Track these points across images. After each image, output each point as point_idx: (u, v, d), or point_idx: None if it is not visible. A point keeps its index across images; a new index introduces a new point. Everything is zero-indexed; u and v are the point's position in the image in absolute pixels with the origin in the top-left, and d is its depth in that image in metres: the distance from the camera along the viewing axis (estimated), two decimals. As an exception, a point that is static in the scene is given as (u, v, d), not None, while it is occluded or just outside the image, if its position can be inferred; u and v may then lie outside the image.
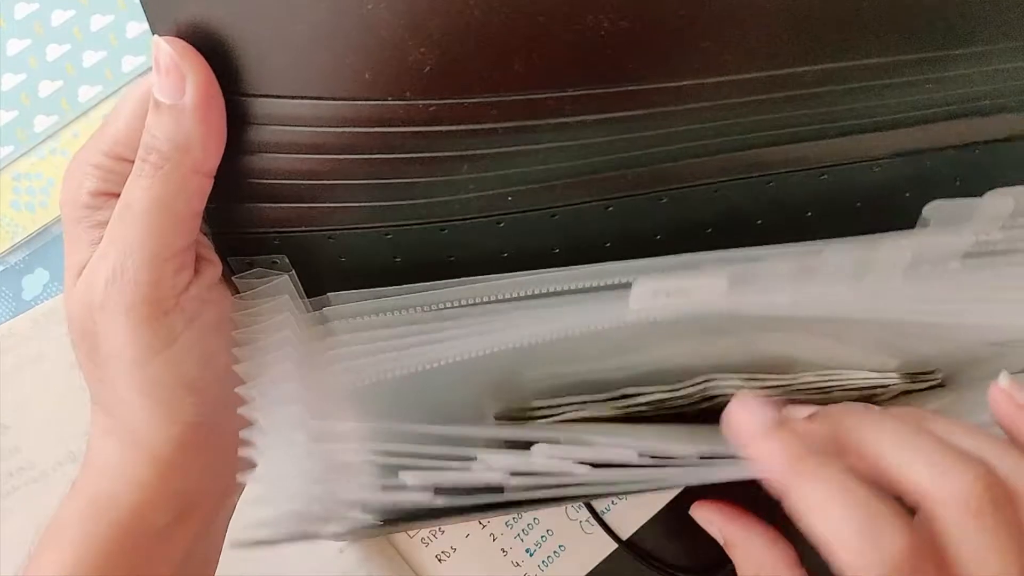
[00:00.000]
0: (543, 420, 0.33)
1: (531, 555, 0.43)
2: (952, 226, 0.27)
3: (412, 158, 0.24)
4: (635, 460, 0.24)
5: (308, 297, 0.28)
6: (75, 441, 0.45)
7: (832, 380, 0.33)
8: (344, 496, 0.27)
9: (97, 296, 0.24)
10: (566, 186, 0.26)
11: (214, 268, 0.26)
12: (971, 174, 0.29)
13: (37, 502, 0.44)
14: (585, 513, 0.43)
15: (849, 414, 0.24)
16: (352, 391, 0.28)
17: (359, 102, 0.23)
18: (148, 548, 0.27)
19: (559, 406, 0.32)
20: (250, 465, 0.26)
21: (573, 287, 0.27)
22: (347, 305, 0.27)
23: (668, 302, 0.26)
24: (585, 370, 0.31)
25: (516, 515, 0.43)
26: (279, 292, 0.27)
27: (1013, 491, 0.21)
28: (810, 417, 0.24)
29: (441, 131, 0.24)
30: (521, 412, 0.33)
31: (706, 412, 0.34)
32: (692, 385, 0.32)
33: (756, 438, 0.23)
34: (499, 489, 0.25)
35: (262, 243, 0.26)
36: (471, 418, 0.33)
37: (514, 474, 0.25)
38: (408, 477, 0.25)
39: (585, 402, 0.32)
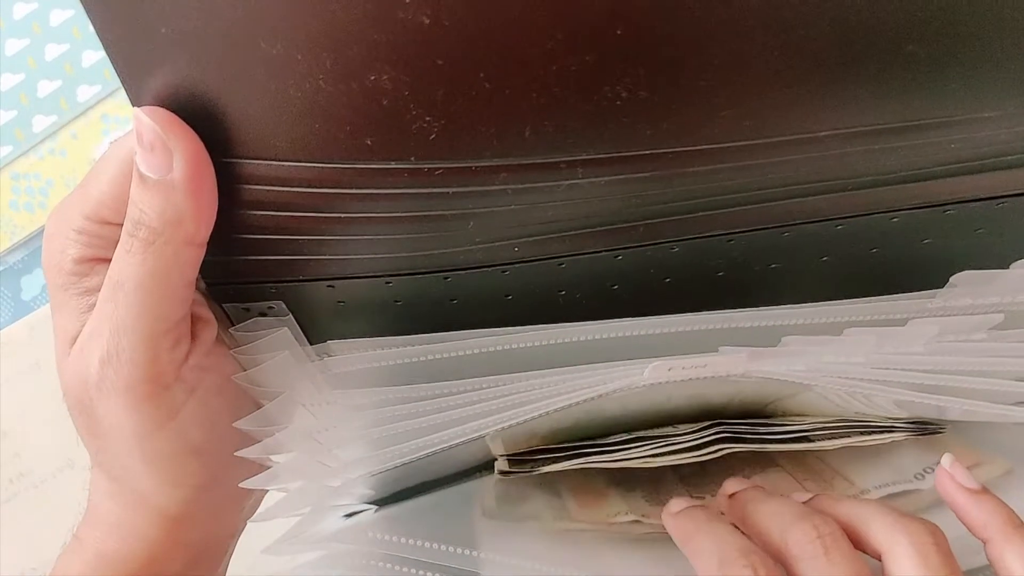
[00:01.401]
0: (548, 467, 0.33)
1: None
2: (980, 296, 0.26)
3: (415, 216, 0.24)
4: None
5: (311, 343, 0.28)
6: (74, 448, 0.44)
7: (839, 425, 0.32)
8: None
9: (92, 375, 0.23)
10: (575, 237, 0.25)
11: (210, 328, 0.26)
12: (995, 225, 0.28)
13: (36, 507, 0.44)
14: None
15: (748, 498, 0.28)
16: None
17: (361, 165, 0.22)
18: None
19: (563, 453, 0.32)
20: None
21: (582, 339, 0.26)
22: (348, 356, 0.27)
23: (684, 374, 0.26)
24: (589, 422, 0.31)
25: None
26: (280, 347, 0.26)
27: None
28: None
29: (446, 192, 0.23)
30: (528, 458, 0.33)
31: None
32: (703, 432, 0.31)
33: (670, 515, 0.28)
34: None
35: (259, 292, 0.26)
36: (474, 453, 0.33)
37: None
38: None
39: (589, 450, 0.32)
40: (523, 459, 0.33)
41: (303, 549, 0.28)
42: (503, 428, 0.28)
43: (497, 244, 0.25)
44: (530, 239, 0.25)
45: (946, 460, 0.27)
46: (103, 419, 0.24)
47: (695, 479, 0.35)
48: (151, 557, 0.26)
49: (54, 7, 0.47)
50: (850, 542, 0.24)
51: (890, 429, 0.33)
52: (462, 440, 0.28)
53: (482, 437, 0.29)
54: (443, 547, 0.26)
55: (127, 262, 0.22)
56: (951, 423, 0.33)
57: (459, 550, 0.26)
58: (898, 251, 0.29)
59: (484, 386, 0.27)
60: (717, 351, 0.25)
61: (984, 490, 0.26)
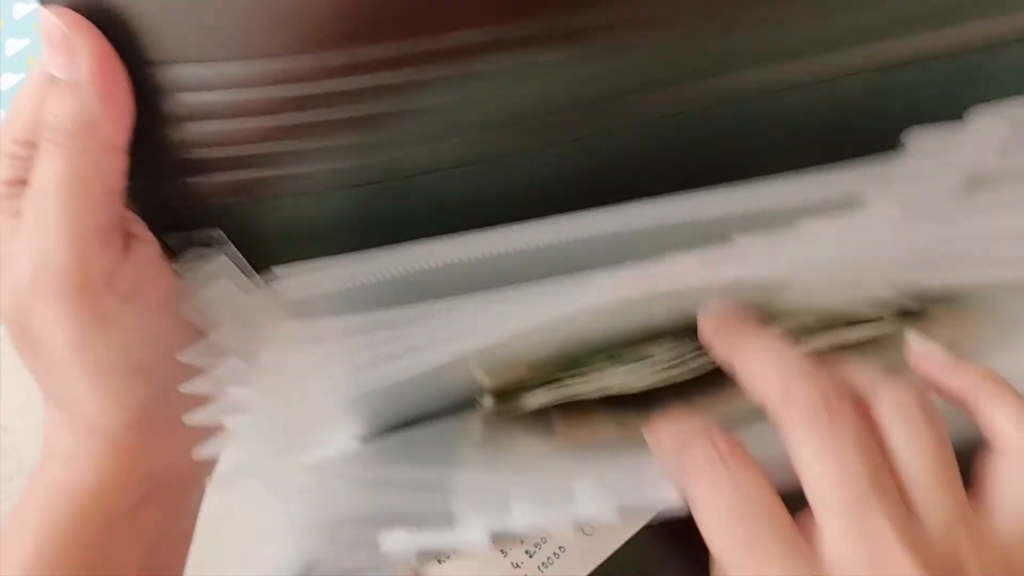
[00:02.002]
0: (541, 390, 0.31)
1: (531, 556, 0.43)
2: (939, 156, 0.24)
3: (333, 120, 0.23)
4: (614, 518, 0.24)
5: (257, 271, 0.27)
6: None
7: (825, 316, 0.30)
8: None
9: (25, 285, 0.24)
10: (507, 131, 0.25)
11: (147, 246, 0.25)
12: (959, 88, 0.26)
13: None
14: None
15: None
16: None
17: (271, 60, 0.22)
18: (113, 532, 0.27)
19: (555, 385, 0.31)
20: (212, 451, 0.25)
21: (522, 247, 0.26)
22: (295, 278, 0.26)
23: (640, 287, 0.25)
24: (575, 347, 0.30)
25: None
26: (220, 274, 0.26)
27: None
28: None
29: (363, 87, 0.22)
30: (519, 383, 0.32)
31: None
32: (689, 356, 0.30)
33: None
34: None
35: (194, 217, 0.25)
36: (458, 384, 0.32)
37: (494, 535, 0.24)
38: (389, 541, 0.25)
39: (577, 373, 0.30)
40: (509, 395, 0.32)
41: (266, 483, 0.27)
42: (472, 352, 0.27)
43: (425, 147, 0.24)
44: (458, 139, 0.24)
45: (912, 339, 0.26)
46: (40, 334, 0.24)
47: (689, 390, 0.34)
48: (103, 488, 0.26)
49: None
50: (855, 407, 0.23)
51: (879, 319, 0.31)
52: (422, 370, 0.27)
53: (461, 369, 0.28)
54: (421, 470, 0.25)
55: (46, 168, 0.22)
56: (939, 300, 0.31)
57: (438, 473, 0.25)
58: (857, 126, 0.27)
59: (439, 310, 0.26)
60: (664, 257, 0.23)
61: (959, 360, 0.25)
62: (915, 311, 0.30)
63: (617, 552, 0.42)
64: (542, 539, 0.43)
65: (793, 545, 0.22)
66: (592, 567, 0.42)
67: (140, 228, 0.25)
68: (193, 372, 0.26)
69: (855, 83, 0.25)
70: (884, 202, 0.24)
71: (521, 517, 0.24)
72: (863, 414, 0.23)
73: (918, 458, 0.22)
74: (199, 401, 0.26)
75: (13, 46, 0.48)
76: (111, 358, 0.25)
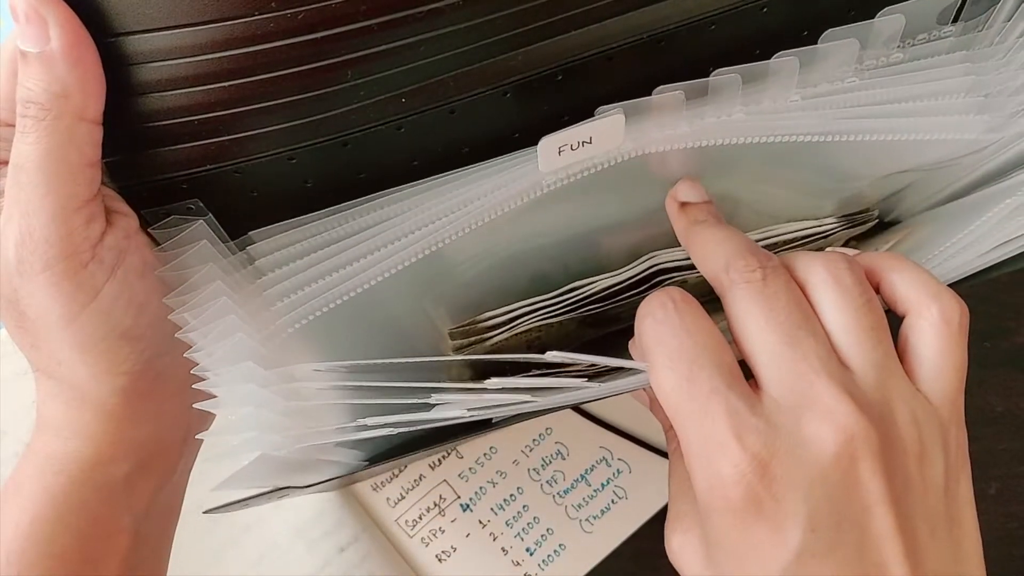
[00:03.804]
0: (497, 334, 0.33)
1: (531, 554, 0.43)
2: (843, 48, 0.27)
3: (294, 73, 0.24)
4: (589, 385, 0.25)
5: (233, 239, 0.28)
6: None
7: (774, 235, 0.33)
8: (312, 439, 0.27)
9: (11, 261, 0.24)
10: (458, 78, 0.26)
11: (128, 219, 0.26)
12: (864, 3, 0.29)
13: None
14: (586, 511, 0.44)
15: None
16: (299, 330, 0.28)
17: (228, 23, 0.23)
18: (108, 499, 0.27)
19: (510, 314, 0.32)
20: (207, 419, 0.26)
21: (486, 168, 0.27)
22: (269, 240, 0.27)
23: (576, 156, 0.26)
24: (528, 273, 0.31)
25: (516, 514, 0.44)
26: (197, 238, 0.27)
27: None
28: None
29: (316, 39, 0.24)
30: (475, 327, 0.33)
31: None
32: (637, 266, 0.32)
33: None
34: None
35: (170, 190, 0.26)
36: (426, 339, 0.33)
37: (471, 409, 0.25)
38: (369, 422, 0.25)
39: (534, 306, 0.32)
40: (475, 335, 0.34)
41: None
42: (423, 252, 0.28)
43: (383, 97, 0.26)
44: (413, 86, 0.26)
45: (828, 250, 0.28)
46: (28, 308, 0.25)
47: None
48: (96, 457, 0.26)
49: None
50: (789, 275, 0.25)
51: (824, 233, 0.33)
52: (388, 272, 0.27)
53: (417, 301, 0.30)
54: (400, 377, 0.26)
55: (24, 142, 0.23)
56: (882, 211, 0.34)
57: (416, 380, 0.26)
58: (776, 49, 0.29)
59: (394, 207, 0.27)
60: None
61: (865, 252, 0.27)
62: (856, 220, 0.33)
63: (617, 550, 0.43)
64: (542, 537, 0.43)
65: (734, 382, 0.23)
66: (592, 565, 0.43)
67: (119, 203, 0.26)
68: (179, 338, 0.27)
69: (769, 7, 0.27)
70: (784, 57, 0.26)
71: (494, 387, 0.25)
72: (799, 285, 0.25)
73: (845, 315, 0.24)
74: (187, 365, 0.26)
75: None
76: (99, 327, 0.25)
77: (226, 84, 0.24)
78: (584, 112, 0.29)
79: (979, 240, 0.27)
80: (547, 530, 0.43)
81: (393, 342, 0.32)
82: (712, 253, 0.26)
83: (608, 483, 0.44)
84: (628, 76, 0.28)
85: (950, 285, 0.25)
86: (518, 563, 0.43)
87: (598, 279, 0.32)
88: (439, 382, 0.26)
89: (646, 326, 0.24)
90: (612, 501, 0.44)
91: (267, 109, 0.25)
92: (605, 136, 0.25)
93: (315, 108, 0.26)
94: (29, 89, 0.23)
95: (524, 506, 0.44)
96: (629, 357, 0.25)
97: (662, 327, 0.24)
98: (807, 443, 0.22)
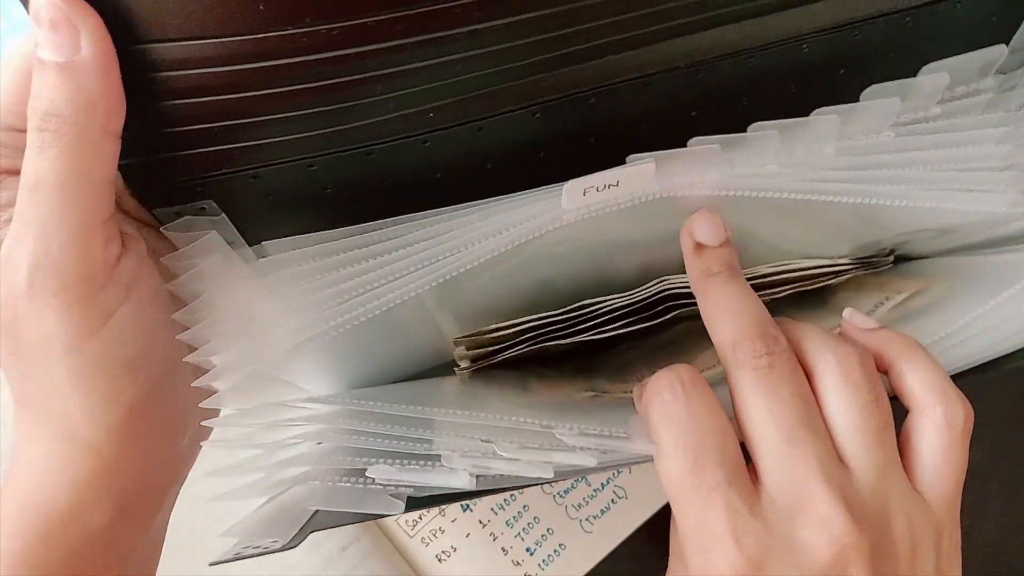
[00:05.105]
0: (504, 349, 0.33)
1: (531, 554, 0.43)
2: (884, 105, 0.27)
3: (322, 86, 0.24)
4: (593, 465, 0.25)
5: (249, 244, 0.28)
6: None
7: (786, 269, 0.32)
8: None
9: (22, 283, 0.22)
10: (487, 96, 0.26)
11: (139, 243, 0.25)
12: (905, 46, 0.28)
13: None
14: (586, 511, 0.44)
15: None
16: (306, 342, 0.28)
17: (259, 36, 0.22)
18: (88, 553, 0.25)
19: (517, 328, 0.32)
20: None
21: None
22: (285, 254, 0.27)
23: (600, 197, 0.26)
24: (536, 280, 0.31)
25: (516, 514, 0.44)
26: (211, 245, 0.26)
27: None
28: None
29: (348, 55, 0.23)
30: (480, 337, 0.33)
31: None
32: (647, 289, 0.32)
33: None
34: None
35: (185, 191, 0.26)
36: (432, 345, 0.33)
37: (477, 476, 0.25)
38: (375, 472, 0.25)
39: (543, 321, 0.32)
40: (480, 347, 0.34)
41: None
42: (441, 279, 0.27)
43: (410, 111, 0.25)
44: (442, 102, 0.25)
45: (846, 313, 0.28)
46: (29, 334, 0.23)
47: (659, 358, 0.36)
48: (77, 503, 0.25)
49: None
50: (796, 361, 0.25)
51: (837, 272, 0.33)
52: (404, 297, 0.27)
53: (427, 317, 0.29)
54: (402, 409, 0.26)
55: (42, 159, 0.21)
56: (896, 261, 0.34)
57: (418, 413, 0.26)
58: (816, 87, 0.29)
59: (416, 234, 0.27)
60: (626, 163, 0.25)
61: (881, 326, 0.27)
62: (872, 264, 0.33)
63: (616, 550, 0.43)
64: (542, 537, 0.43)
65: (735, 478, 0.23)
66: (592, 565, 0.43)
67: (129, 226, 0.25)
68: (182, 366, 0.26)
69: (810, 45, 0.27)
70: (824, 116, 0.26)
71: (504, 458, 0.25)
72: (807, 372, 0.25)
73: (851, 414, 0.24)
74: (185, 402, 0.26)
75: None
76: (106, 354, 0.24)
77: (252, 94, 0.24)
78: (614, 135, 0.28)
79: (999, 326, 0.27)
80: (547, 530, 0.44)
81: (399, 349, 0.32)
82: (722, 322, 0.25)
83: (608, 483, 0.44)
84: (661, 102, 0.28)
85: (967, 371, 0.25)
86: (518, 563, 0.43)
87: (608, 300, 0.32)
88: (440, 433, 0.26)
89: (655, 407, 0.24)
90: (612, 501, 0.44)
91: (291, 119, 0.24)
92: (633, 180, 0.25)
93: (342, 119, 0.25)
94: (51, 100, 0.21)
95: (524, 506, 0.44)
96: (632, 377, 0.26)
97: (670, 410, 0.24)
98: (801, 549, 0.23)
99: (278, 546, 0.24)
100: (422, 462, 0.26)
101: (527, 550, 0.43)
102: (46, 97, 0.21)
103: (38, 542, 0.24)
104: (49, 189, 0.22)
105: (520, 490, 0.28)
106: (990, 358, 0.28)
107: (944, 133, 0.26)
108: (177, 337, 0.26)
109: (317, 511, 0.25)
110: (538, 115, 0.27)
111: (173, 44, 0.22)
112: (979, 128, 0.26)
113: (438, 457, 0.25)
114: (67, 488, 0.25)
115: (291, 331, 0.27)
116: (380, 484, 0.25)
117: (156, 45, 0.22)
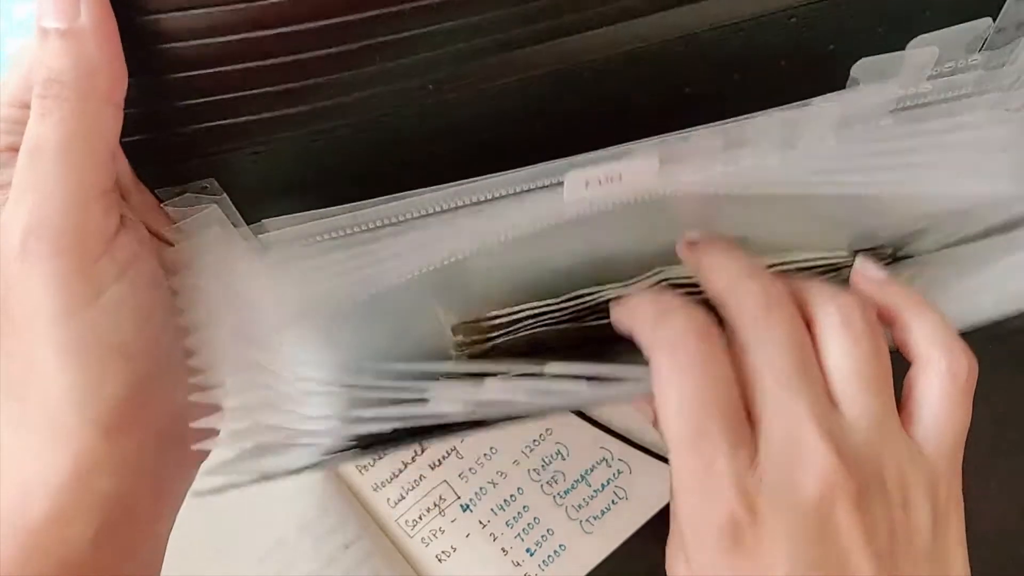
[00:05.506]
0: (500, 335, 0.33)
1: (531, 555, 0.43)
2: (879, 82, 0.27)
3: (320, 56, 0.24)
4: (584, 391, 0.25)
5: (248, 223, 0.28)
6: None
7: (787, 263, 0.32)
8: (303, 425, 0.27)
9: (14, 249, 0.22)
10: (484, 67, 0.26)
11: (140, 228, 0.25)
12: (895, 19, 0.28)
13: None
14: (586, 512, 0.44)
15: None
16: (303, 316, 0.28)
17: (253, 3, 0.23)
18: (66, 573, 0.23)
19: (515, 315, 0.32)
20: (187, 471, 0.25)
21: (510, 191, 0.27)
22: (284, 230, 0.27)
23: (602, 190, 0.26)
24: (534, 268, 0.31)
25: (517, 514, 0.44)
26: (210, 221, 0.26)
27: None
28: None
29: (343, 22, 0.23)
30: (478, 324, 0.33)
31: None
32: (646, 278, 0.32)
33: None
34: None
35: (186, 169, 0.26)
36: (428, 331, 0.33)
37: (467, 404, 0.25)
38: (364, 413, 0.26)
39: (540, 309, 0.32)
40: (478, 333, 0.34)
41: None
42: (442, 263, 0.28)
43: (410, 84, 0.25)
44: (441, 74, 0.25)
45: (858, 262, 0.28)
46: (19, 303, 0.22)
47: None
48: (55, 511, 0.23)
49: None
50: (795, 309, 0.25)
51: (835, 266, 0.33)
52: (404, 277, 0.28)
53: (425, 301, 0.29)
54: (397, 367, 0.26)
55: (44, 123, 0.22)
56: (895, 249, 0.34)
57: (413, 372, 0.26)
58: (806, 62, 0.29)
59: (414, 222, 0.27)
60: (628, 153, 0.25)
61: (889, 278, 0.27)
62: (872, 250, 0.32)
63: (617, 550, 0.43)
64: (543, 537, 0.43)
65: (739, 441, 0.23)
66: (592, 565, 0.43)
67: (128, 210, 0.25)
68: (179, 372, 0.25)
69: (799, 18, 0.27)
70: (823, 104, 0.25)
71: (493, 387, 0.25)
72: (806, 320, 0.25)
73: (848, 362, 0.24)
74: (174, 398, 0.25)
75: (13, 46, 0.47)
76: (95, 332, 0.23)
77: (248, 65, 0.24)
78: (608, 114, 0.28)
79: (995, 285, 0.27)
80: (547, 531, 0.43)
81: (396, 330, 0.32)
82: (718, 274, 0.26)
83: (608, 483, 0.44)
84: (653, 77, 0.28)
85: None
86: (518, 563, 0.43)
87: (606, 288, 0.32)
88: (434, 377, 0.26)
89: (663, 358, 0.24)
90: (612, 501, 0.44)
91: (289, 92, 0.25)
92: (637, 174, 0.25)
93: (339, 91, 0.25)
94: (51, 68, 0.21)
95: (524, 506, 0.44)
96: (627, 361, 0.26)
97: (679, 362, 0.24)
98: (792, 488, 0.23)
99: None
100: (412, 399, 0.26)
101: (527, 551, 0.43)
102: (47, 64, 0.21)
103: (17, 566, 0.22)
104: (48, 154, 0.22)
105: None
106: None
107: (944, 118, 0.26)
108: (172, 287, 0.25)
109: None
110: (538, 87, 0.27)
111: (168, 15, 0.22)
112: (976, 109, 0.26)
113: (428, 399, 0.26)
114: (45, 493, 0.23)
115: (288, 309, 0.27)
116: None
117: (157, 16, 0.22)
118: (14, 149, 0.23)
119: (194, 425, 0.25)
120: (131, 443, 0.24)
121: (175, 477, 0.27)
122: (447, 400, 0.26)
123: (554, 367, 0.24)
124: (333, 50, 0.24)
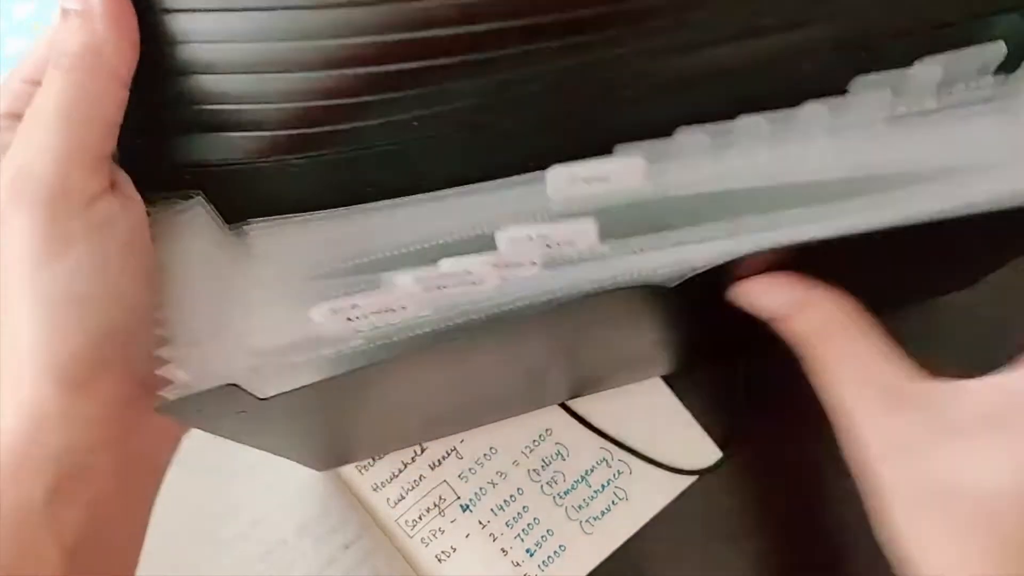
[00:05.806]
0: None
1: (531, 555, 0.43)
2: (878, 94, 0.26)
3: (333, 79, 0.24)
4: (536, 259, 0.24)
5: (230, 223, 0.28)
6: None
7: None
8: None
9: (3, 188, 0.23)
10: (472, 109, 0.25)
11: (135, 203, 0.25)
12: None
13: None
14: (586, 513, 0.44)
15: None
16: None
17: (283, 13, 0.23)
18: (25, 533, 0.23)
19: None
20: (167, 382, 0.24)
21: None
22: (267, 231, 0.27)
23: (588, 189, 0.25)
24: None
25: (516, 515, 0.44)
26: (193, 225, 0.26)
27: None
28: None
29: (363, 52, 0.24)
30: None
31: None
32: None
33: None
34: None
35: (177, 178, 0.26)
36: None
37: (423, 286, 0.24)
38: (316, 313, 0.25)
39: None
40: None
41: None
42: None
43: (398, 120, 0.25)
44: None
45: None
46: (5, 247, 0.23)
47: None
48: (10, 465, 0.23)
49: (54, 7, 0.48)
50: None
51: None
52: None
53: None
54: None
55: (48, 89, 0.24)
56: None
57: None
58: (801, 72, 0.28)
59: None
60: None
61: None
62: None
63: (617, 551, 0.43)
64: (542, 538, 0.43)
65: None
66: (592, 566, 0.43)
67: (130, 188, 0.25)
68: (147, 329, 0.25)
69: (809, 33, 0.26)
70: (814, 106, 0.25)
71: (447, 264, 0.24)
72: None
73: None
74: (142, 368, 0.25)
75: (13, 46, 0.48)
76: (60, 284, 0.23)
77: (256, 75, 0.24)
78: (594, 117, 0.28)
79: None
80: (547, 531, 0.43)
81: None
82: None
83: (608, 484, 0.44)
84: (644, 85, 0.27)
85: None
86: (518, 564, 0.43)
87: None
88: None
89: (821, 341, 0.26)
90: (613, 502, 0.44)
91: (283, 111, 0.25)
92: (624, 174, 0.24)
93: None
94: (64, 42, 0.23)
95: (524, 507, 0.44)
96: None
97: (843, 351, 0.25)
98: None
99: None
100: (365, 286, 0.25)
101: (527, 551, 0.43)
102: (62, 40, 0.23)
103: None
104: (48, 114, 0.23)
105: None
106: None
107: (941, 126, 0.26)
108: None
109: None
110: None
111: (185, 14, 0.24)
112: (976, 117, 0.25)
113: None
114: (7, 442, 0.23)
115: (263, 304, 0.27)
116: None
117: (169, 14, 0.24)
118: (16, 115, 0.25)
119: (158, 372, 0.25)
120: (90, 400, 0.24)
121: (144, 445, 0.27)
122: (399, 283, 0.24)
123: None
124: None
